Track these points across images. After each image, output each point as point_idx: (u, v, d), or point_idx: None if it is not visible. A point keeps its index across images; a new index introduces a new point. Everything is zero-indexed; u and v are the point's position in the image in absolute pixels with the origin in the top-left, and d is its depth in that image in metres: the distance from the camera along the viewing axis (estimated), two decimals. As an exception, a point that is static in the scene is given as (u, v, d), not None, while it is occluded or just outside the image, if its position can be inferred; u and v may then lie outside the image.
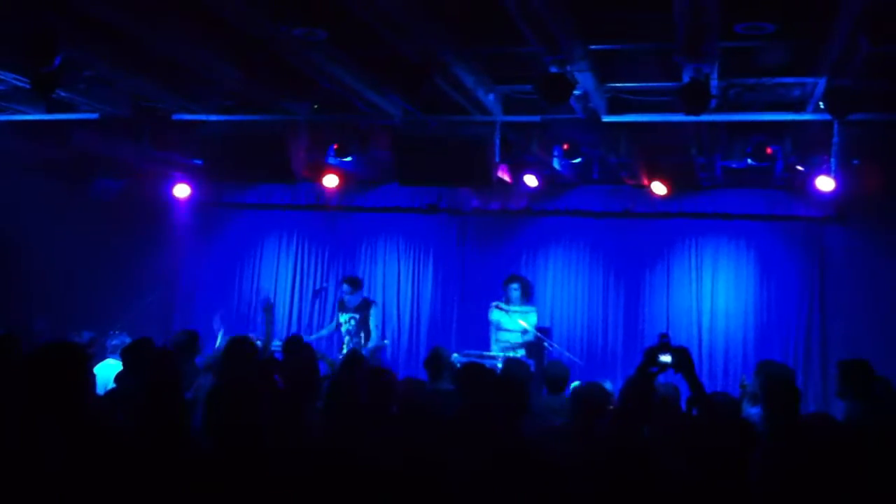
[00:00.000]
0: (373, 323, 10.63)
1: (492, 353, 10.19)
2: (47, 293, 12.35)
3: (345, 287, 10.78)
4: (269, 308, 8.71)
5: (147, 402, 4.10)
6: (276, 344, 8.77)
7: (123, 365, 6.60)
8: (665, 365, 4.34)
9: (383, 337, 11.69)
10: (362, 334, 10.55)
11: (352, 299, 10.71)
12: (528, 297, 11.08)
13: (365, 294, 11.21)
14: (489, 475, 3.54)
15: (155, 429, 3.94)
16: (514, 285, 10.87)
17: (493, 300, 11.23)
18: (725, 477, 3.69)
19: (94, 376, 6.07)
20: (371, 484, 3.54)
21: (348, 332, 10.65)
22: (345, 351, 10.33)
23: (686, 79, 6.84)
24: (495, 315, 10.87)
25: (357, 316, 10.64)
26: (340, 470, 3.68)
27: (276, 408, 4.85)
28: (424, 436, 4.74)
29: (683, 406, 5.76)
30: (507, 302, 10.84)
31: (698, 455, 3.86)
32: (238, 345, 6.58)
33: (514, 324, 10.65)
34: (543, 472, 3.54)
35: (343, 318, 10.77)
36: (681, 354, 4.23)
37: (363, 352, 10.04)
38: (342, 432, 5.04)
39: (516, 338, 10.61)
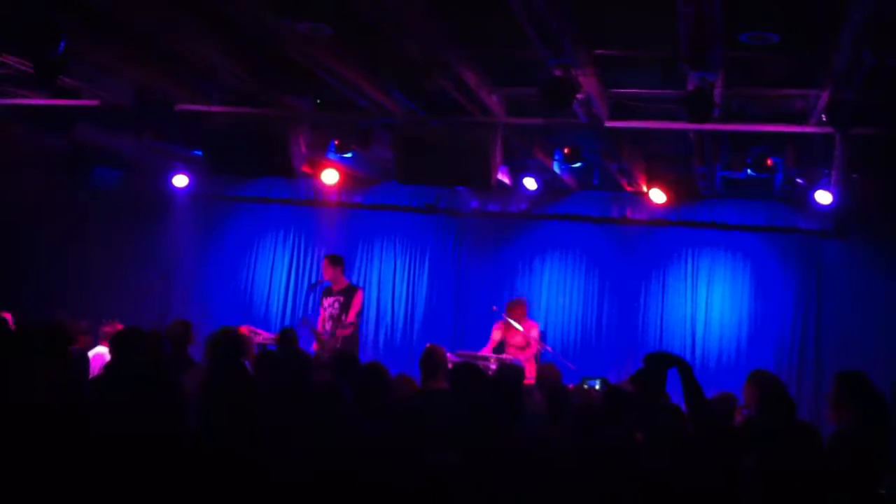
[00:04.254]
0: (356, 308, 10.36)
1: (485, 355, 10.17)
2: (43, 280, 12.36)
3: (324, 263, 10.57)
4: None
5: (136, 389, 4.07)
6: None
7: (111, 352, 6.59)
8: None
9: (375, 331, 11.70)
10: (343, 317, 10.26)
11: (336, 281, 10.49)
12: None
13: (353, 282, 11.13)
14: (481, 476, 3.53)
15: (141, 414, 3.92)
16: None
17: (489, 302, 11.27)
18: (714, 482, 3.69)
19: (87, 362, 6.07)
20: (362, 481, 3.54)
21: (331, 316, 10.33)
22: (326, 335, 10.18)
23: (690, 87, 6.85)
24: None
25: (341, 298, 10.38)
26: (330, 464, 3.68)
27: (268, 399, 4.85)
28: (417, 434, 4.74)
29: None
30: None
31: (688, 460, 3.86)
32: (225, 336, 6.57)
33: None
34: (535, 473, 3.54)
35: (327, 301, 10.49)
36: (683, 372, 4.19)
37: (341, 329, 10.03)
38: (333, 428, 5.03)
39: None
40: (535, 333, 10.76)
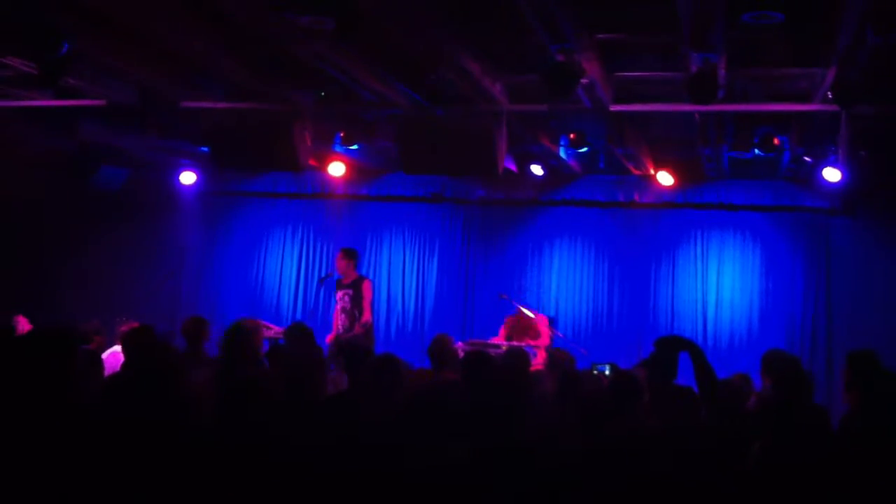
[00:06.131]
0: (367, 299, 10.27)
1: (496, 343, 10.18)
2: (51, 280, 12.40)
3: (338, 256, 10.53)
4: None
5: (143, 388, 4.08)
6: None
7: (123, 352, 6.60)
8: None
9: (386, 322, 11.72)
10: (357, 312, 10.19)
11: (346, 275, 10.45)
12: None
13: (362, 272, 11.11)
14: (488, 467, 3.53)
15: (150, 414, 3.93)
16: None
17: (498, 290, 11.27)
18: (723, 474, 3.67)
19: (100, 363, 6.07)
20: (375, 473, 3.55)
21: (343, 309, 10.26)
22: (339, 328, 10.19)
23: (693, 69, 6.83)
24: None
25: (351, 291, 10.30)
26: (342, 458, 3.68)
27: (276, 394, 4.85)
28: (429, 426, 4.73)
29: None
30: None
31: (699, 451, 3.85)
32: (240, 329, 6.55)
33: None
34: (540, 465, 3.53)
35: (338, 295, 10.42)
36: (695, 355, 4.17)
37: (358, 327, 10.01)
38: (344, 420, 5.04)
39: None
40: (545, 323, 10.76)
